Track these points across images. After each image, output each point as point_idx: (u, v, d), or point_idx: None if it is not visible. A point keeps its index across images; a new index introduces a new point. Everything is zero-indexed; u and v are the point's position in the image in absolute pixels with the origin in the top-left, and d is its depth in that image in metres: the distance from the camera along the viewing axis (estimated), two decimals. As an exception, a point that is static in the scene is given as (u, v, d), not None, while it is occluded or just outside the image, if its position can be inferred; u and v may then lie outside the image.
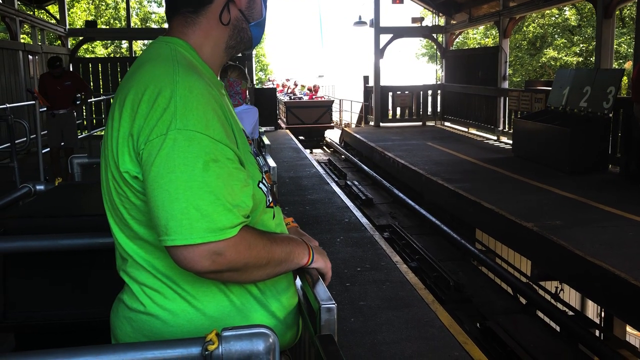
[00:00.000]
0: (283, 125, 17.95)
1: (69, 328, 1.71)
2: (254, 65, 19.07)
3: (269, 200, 1.31)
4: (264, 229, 1.29)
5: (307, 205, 7.32)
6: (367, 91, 17.02)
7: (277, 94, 18.32)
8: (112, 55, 26.00)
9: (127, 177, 1.16)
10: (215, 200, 1.09)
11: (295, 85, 23.41)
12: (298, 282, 1.44)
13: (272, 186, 1.40)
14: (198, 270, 1.12)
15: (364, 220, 6.55)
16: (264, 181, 1.30)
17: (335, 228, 6.23)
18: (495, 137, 13.09)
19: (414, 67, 34.07)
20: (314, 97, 19.16)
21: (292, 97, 19.90)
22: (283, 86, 24.82)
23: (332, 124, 18.38)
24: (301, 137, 16.67)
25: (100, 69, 15.09)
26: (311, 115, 17.43)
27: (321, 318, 1.17)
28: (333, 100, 19.59)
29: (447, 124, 15.88)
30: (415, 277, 4.77)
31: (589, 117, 8.82)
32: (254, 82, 24.65)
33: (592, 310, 7.64)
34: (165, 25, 1.94)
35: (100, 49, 26.01)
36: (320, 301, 1.20)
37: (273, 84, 26.33)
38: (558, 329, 5.35)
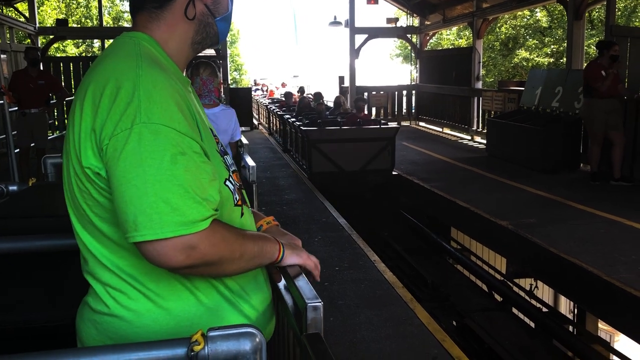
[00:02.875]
0: (260, 126, 17.79)
1: (46, 331, 1.67)
2: (228, 65, 18.81)
3: (235, 198, 1.30)
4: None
5: (284, 206, 7.30)
6: (343, 91, 17.04)
7: (272, 106, 15.37)
8: (83, 54, 25.57)
9: (90, 173, 1.13)
10: (185, 193, 1.07)
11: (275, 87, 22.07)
12: (282, 282, 1.43)
13: (241, 186, 1.39)
14: (172, 266, 1.10)
15: (341, 220, 6.55)
16: (230, 179, 1.29)
17: (313, 228, 6.22)
18: (469, 137, 13.23)
19: (389, 67, 34.26)
20: (358, 118, 9.47)
21: (300, 109, 11.98)
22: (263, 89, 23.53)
23: (394, 171, 9.03)
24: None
25: (71, 69, 14.82)
26: (357, 155, 8.79)
27: (307, 317, 1.16)
28: (398, 128, 9.57)
29: (421, 124, 16.00)
30: (394, 276, 4.78)
31: (561, 116, 8.98)
32: (229, 82, 24.49)
33: (565, 307, 7.78)
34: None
35: (71, 48, 25.56)
36: (306, 300, 1.19)
37: (263, 89, 24.18)
38: (533, 325, 5.43)
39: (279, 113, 12.95)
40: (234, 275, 1.26)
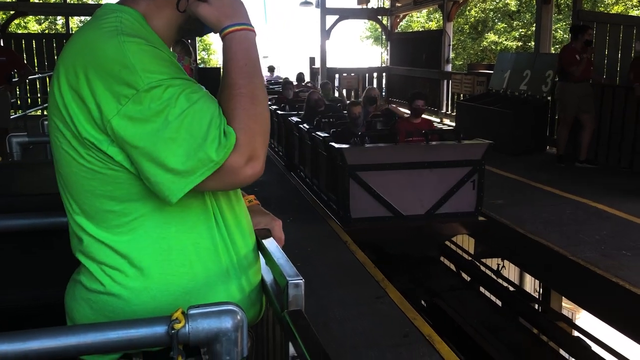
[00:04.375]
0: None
1: (20, 312, 1.63)
2: (196, 44, 18.45)
3: None
4: None
5: (255, 187, 7.24)
6: (314, 73, 16.97)
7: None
8: (46, 31, 24.81)
9: (90, 146, 1.10)
10: (212, 119, 1.07)
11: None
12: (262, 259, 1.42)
13: None
14: (251, 177, 1.11)
15: (293, 179, 6.57)
16: None
17: (286, 209, 6.21)
18: (438, 119, 13.35)
19: (360, 49, 34.21)
20: (417, 127, 6.10)
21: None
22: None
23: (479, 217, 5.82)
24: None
25: (34, 46, 14.37)
26: (423, 190, 5.50)
27: (289, 294, 1.16)
28: (490, 145, 5.67)
29: (392, 106, 16.05)
30: (365, 256, 4.82)
31: (529, 99, 9.12)
32: (197, 61, 24.10)
33: (531, 285, 7.97)
34: (104, 1, 1.85)
35: (33, 25, 24.76)
36: (287, 277, 1.18)
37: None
38: (500, 303, 5.55)
39: (287, 117, 8.30)
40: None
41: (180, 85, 1.08)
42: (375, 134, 6.07)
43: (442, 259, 6.52)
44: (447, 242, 7.07)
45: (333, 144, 5.55)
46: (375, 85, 16.44)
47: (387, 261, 5.47)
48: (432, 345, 3.37)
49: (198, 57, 28.99)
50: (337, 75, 16.09)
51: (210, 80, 15.34)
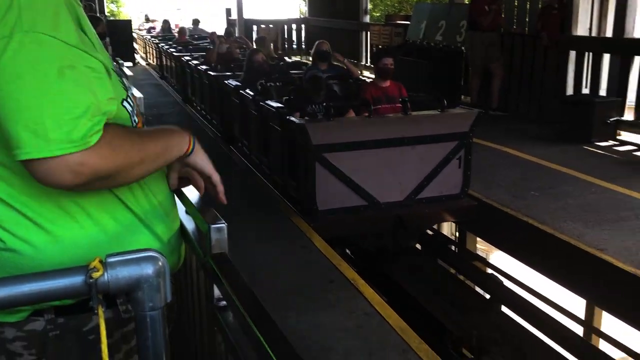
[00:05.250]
0: (142, 60, 16.81)
1: None
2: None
3: (134, 121, 1.23)
4: None
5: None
6: (230, 24, 16.50)
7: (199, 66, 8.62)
8: None
9: None
10: (73, 108, 1.00)
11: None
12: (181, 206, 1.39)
13: (138, 107, 1.31)
14: (62, 185, 1.03)
15: (234, 155, 6.48)
16: (129, 100, 1.21)
17: (229, 195, 6.10)
18: (359, 71, 13.41)
19: (278, 0, 33.53)
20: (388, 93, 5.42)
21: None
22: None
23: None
24: None
25: None
26: (401, 172, 4.67)
27: (211, 238, 1.15)
28: (480, 114, 5.00)
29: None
30: (292, 207, 4.85)
31: (444, 49, 9.33)
32: (106, 14, 22.78)
33: (448, 229, 8.35)
34: None
35: None
36: (209, 222, 1.16)
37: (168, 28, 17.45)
38: (420, 247, 5.78)
39: (222, 80, 7.04)
40: (140, 179, 1.19)
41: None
42: (339, 106, 4.85)
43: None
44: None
45: (293, 118, 4.58)
46: (295, 37, 16.23)
47: (363, 258, 4.97)
48: (357, 288, 3.48)
49: (107, 10, 27.39)
50: (254, 27, 15.72)
51: (120, 31, 14.61)
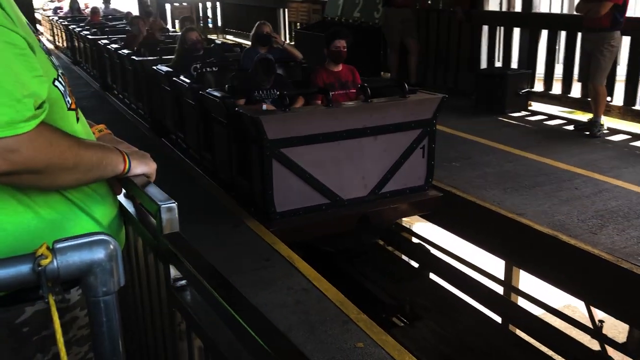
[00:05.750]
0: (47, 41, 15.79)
1: None
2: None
3: (68, 102, 1.17)
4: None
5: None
6: (142, 3, 15.85)
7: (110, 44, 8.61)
8: None
9: None
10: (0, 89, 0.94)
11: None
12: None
13: (70, 88, 1.25)
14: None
15: (167, 149, 6.23)
16: (60, 79, 1.15)
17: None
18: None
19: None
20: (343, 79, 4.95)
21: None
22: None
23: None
24: None
25: None
26: (362, 165, 4.36)
27: (162, 218, 1.12)
28: (443, 99, 4.61)
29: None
30: (219, 188, 4.79)
31: (362, 26, 9.42)
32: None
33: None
34: None
35: None
36: (158, 202, 1.13)
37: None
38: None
39: (149, 66, 6.40)
40: (70, 187, 1.16)
41: None
42: (292, 95, 4.41)
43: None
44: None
45: (244, 111, 4.01)
46: (210, 15, 15.84)
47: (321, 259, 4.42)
48: (292, 264, 3.50)
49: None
50: (167, 6, 15.21)
51: (21, 5, 13.65)
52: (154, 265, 1.21)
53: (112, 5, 15.29)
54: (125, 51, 7.59)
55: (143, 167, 1.31)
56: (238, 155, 4.37)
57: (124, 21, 11.38)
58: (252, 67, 4.75)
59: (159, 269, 1.18)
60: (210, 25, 15.93)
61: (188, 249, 1.00)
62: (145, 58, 6.84)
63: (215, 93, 4.61)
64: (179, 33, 7.21)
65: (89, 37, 10.37)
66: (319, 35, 9.67)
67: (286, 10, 12.89)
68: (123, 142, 1.43)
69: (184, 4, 15.50)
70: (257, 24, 5.86)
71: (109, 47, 8.56)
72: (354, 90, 4.74)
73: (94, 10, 12.98)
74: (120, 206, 1.38)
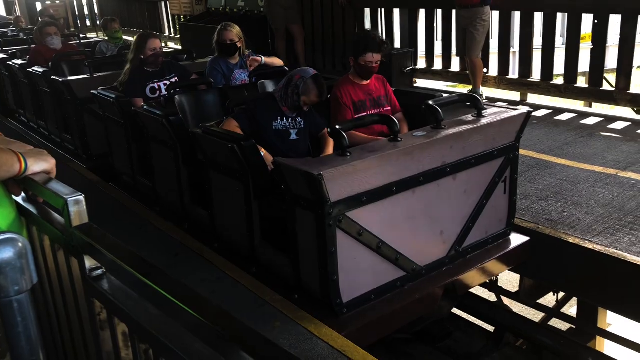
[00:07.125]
0: None
1: None
2: None
3: None
4: None
5: None
6: (9, 2, 14.77)
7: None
8: None
9: None
10: None
11: None
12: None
13: None
14: None
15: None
16: None
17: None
18: (163, 44, 12.94)
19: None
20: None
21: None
22: None
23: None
24: None
25: None
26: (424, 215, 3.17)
27: (70, 212, 1.11)
28: (529, 114, 3.37)
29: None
30: (123, 192, 4.66)
31: (248, 15, 9.40)
32: None
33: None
34: None
35: None
36: (64, 196, 1.12)
37: None
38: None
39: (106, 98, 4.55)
40: None
41: None
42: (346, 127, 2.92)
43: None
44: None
45: (291, 165, 2.69)
46: (87, 11, 15.05)
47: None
48: (204, 257, 3.49)
49: None
50: (38, 5, 14.28)
51: None
52: (64, 261, 1.19)
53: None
54: (39, 69, 5.91)
55: (42, 164, 1.28)
56: (270, 230, 3.24)
57: (13, 28, 10.33)
58: (286, 85, 3.44)
59: (70, 264, 1.17)
60: (89, 23, 15.16)
61: (103, 236, 1.01)
62: (74, 78, 5.39)
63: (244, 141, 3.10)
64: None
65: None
66: (204, 26, 9.54)
67: (168, 3, 12.55)
68: (15, 141, 1.39)
69: (57, 1, 14.63)
70: (217, 30, 4.78)
71: (9, 63, 6.97)
72: (389, 108, 3.83)
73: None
74: (20, 207, 1.34)
